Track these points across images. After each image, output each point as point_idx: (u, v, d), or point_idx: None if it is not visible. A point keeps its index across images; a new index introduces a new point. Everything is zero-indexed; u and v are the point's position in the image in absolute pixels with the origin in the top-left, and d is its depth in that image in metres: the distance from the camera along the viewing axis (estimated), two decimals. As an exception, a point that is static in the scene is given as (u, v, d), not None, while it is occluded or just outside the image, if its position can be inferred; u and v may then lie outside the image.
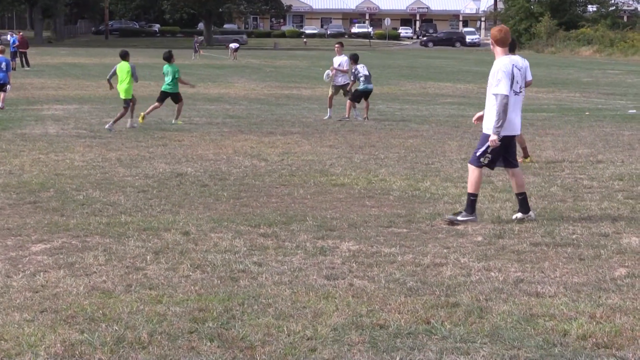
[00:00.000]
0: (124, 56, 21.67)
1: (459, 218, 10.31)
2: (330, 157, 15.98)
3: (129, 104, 21.05)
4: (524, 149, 15.45)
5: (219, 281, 7.74)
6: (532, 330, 6.45)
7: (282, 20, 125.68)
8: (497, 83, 10.16)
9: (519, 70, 10.36)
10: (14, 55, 49.50)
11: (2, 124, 21.24)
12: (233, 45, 76.33)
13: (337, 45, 25.35)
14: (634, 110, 26.32)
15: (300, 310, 6.92)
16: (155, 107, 22.15)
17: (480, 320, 6.67)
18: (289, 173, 14.10)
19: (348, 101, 23.51)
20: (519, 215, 10.49)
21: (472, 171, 10.42)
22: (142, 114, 21.77)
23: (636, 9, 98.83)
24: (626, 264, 8.40)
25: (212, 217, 10.58)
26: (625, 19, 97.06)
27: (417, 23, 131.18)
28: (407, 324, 6.57)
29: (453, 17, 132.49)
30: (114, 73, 21.56)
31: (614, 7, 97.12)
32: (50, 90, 33.47)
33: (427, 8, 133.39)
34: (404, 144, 17.89)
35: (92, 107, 26.45)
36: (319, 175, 13.86)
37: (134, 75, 20.99)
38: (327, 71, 25.10)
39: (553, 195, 12.25)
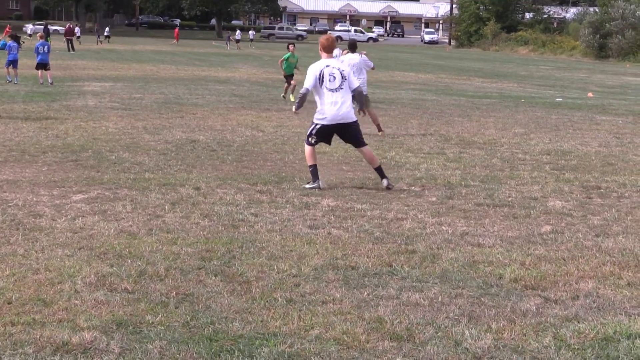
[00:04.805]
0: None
1: (307, 186, 9.80)
2: (315, 130, 15.85)
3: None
4: (377, 125, 15.55)
5: (223, 228, 7.70)
6: (474, 273, 6.44)
7: (279, 19, 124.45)
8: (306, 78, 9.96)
9: (335, 69, 9.82)
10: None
11: (51, 97, 21.02)
12: (238, 34, 74.39)
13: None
14: (560, 99, 26.27)
15: (287, 253, 6.88)
16: (287, 87, 22.67)
17: (432, 265, 6.65)
18: (281, 142, 14.02)
19: None
20: (384, 182, 9.89)
21: (305, 148, 10.12)
22: (284, 94, 22.60)
23: (564, 17, 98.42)
24: (551, 222, 8.39)
25: (219, 176, 10.52)
26: (555, 24, 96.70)
27: (388, 24, 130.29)
28: (374, 266, 6.55)
29: (417, 19, 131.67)
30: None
31: (546, 15, 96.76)
32: (91, 71, 33.10)
33: (396, 12, 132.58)
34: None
35: (124, 84, 26.19)
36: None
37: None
38: None
39: (493, 165, 12.22)
